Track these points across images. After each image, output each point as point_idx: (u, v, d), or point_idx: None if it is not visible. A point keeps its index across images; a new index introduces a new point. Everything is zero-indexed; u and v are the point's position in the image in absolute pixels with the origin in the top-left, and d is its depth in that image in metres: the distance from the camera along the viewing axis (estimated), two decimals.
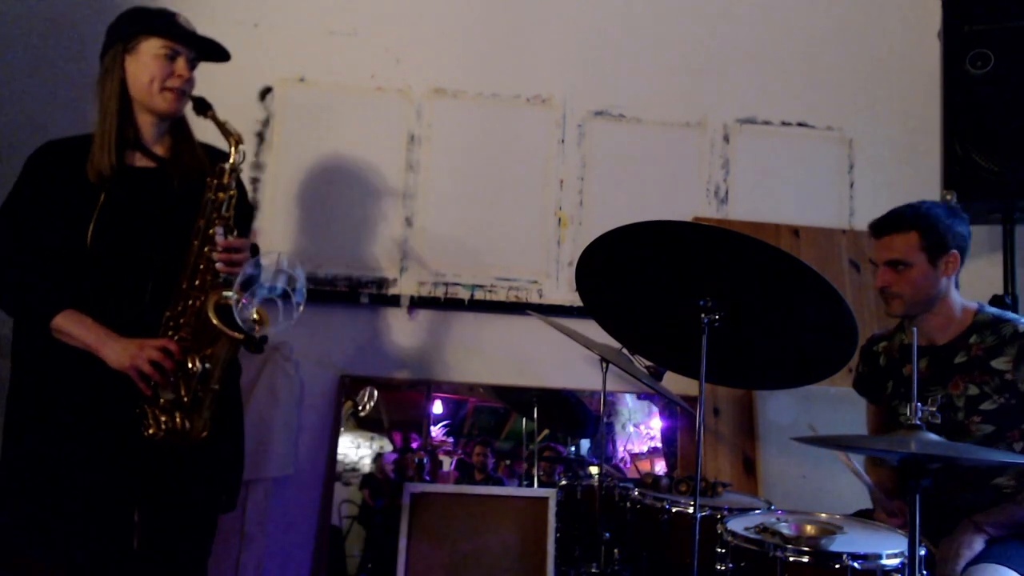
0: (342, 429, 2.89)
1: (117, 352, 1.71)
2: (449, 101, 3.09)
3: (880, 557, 1.58)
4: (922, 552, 1.54)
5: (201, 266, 1.78)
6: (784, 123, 3.25)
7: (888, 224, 2.04)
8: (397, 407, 3.02)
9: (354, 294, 2.94)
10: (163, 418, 1.74)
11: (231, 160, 1.83)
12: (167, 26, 1.84)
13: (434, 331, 3.00)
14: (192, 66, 1.89)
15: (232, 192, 1.83)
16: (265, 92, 3.00)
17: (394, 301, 2.97)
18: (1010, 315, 2.06)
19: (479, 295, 3.02)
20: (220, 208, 1.81)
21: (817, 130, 3.26)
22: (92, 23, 2.87)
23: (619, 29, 3.20)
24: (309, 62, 3.03)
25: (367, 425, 2.96)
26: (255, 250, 1.98)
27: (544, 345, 2.97)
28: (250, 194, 2.92)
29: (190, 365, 1.74)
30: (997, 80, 2.73)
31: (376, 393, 2.94)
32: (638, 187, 3.13)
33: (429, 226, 3.03)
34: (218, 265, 1.77)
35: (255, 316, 1.76)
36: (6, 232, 1.79)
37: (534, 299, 3.03)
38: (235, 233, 1.82)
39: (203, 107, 1.85)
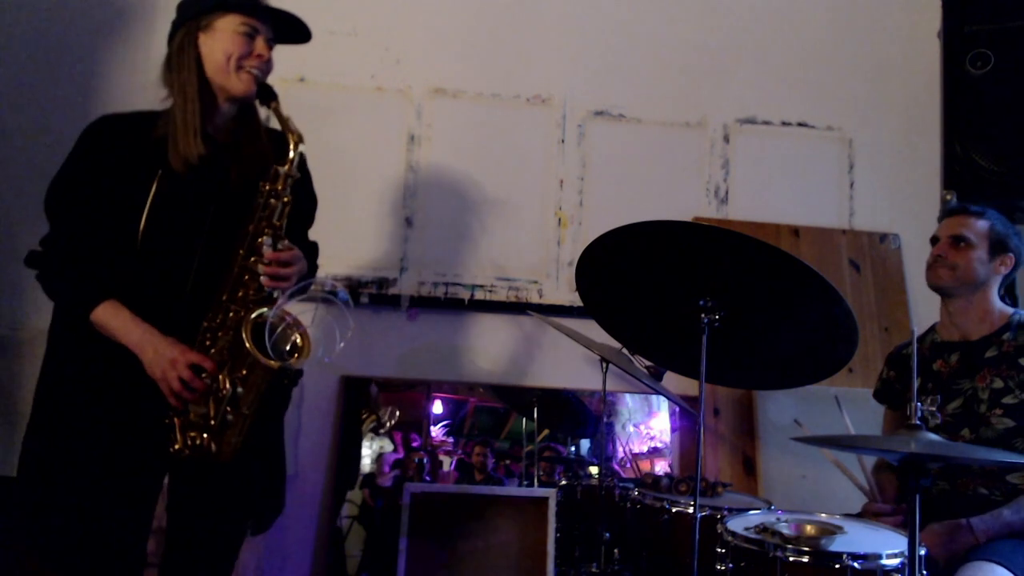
0: (360, 435, 2.89)
1: (152, 359, 1.59)
2: (449, 101, 3.09)
3: (880, 557, 1.58)
4: (922, 552, 1.54)
5: (245, 277, 1.65)
6: (784, 123, 3.25)
7: (964, 208, 2.20)
8: (397, 407, 3.02)
9: (354, 294, 2.94)
10: (191, 434, 1.62)
11: (288, 165, 1.67)
12: (248, 2, 1.70)
13: (434, 331, 3.00)
14: (270, 46, 1.74)
15: (286, 199, 1.67)
16: None
17: (394, 301, 2.97)
18: None
19: (479, 295, 3.02)
20: (271, 216, 1.66)
21: (817, 130, 3.26)
22: (92, 24, 2.90)
23: (619, 29, 3.20)
24: (309, 62, 3.02)
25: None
26: (314, 249, 1.86)
27: (544, 345, 2.97)
28: None
29: (222, 385, 1.60)
30: (997, 80, 2.73)
31: (398, 413, 2.94)
32: (638, 187, 3.13)
33: (429, 226, 3.03)
34: (263, 279, 1.63)
35: (297, 342, 1.64)
36: (59, 211, 1.66)
37: (534, 299, 3.03)
38: (285, 243, 1.67)
39: (268, 96, 1.71)
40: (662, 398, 3.04)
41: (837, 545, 1.65)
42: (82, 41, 2.88)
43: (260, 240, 1.65)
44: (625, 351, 2.43)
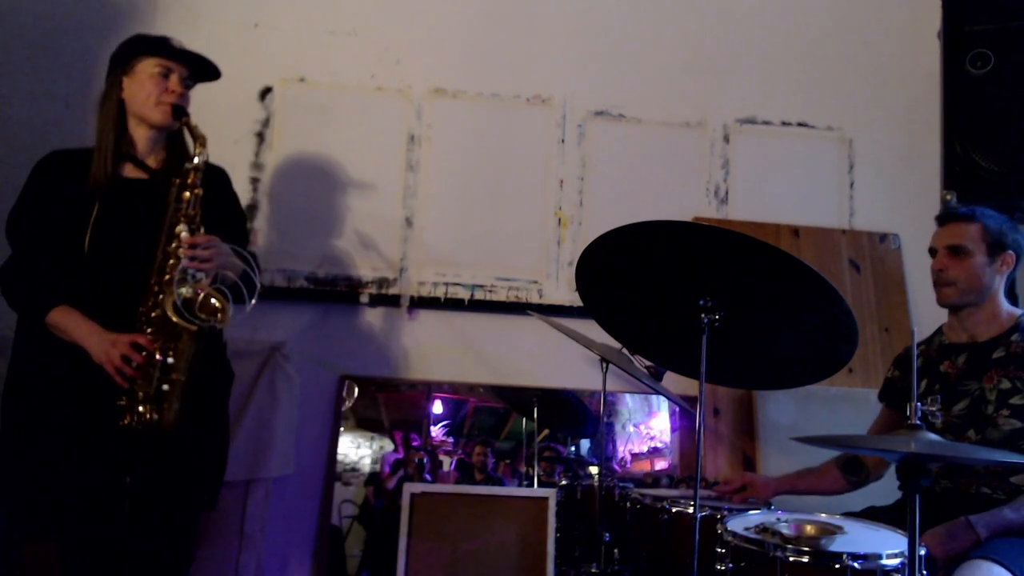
0: (342, 428, 2.89)
1: (95, 346, 1.81)
2: (449, 101, 3.09)
3: (880, 557, 1.58)
4: (922, 552, 1.54)
5: (169, 262, 1.87)
6: (784, 123, 3.25)
7: (955, 213, 2.15)
8: (397, 407, 3.01)
9: (354, 294, 2.94)
10: (139, 408, 1.82)
11: (195, 161, 1.93)
12: (161, 46, 1.99)
13: (434, 331, 3.00)
14: (186, 84, 2.01)
15: (198, 191, 1.92)
16: (265, 92, 3.00)
17: (394, 301, 2.97)
18: None
19: (479, 295, 3.02)
20: (186, 207, 1.91)
21: (817, 130, 3.26)
22: (92, 24, 2.90)
23: (619, 29, 3.20)
24: (309, 62, 3.03)
25: (367, 425, 2.96)
26: (253, 258, 2.06)
27: (544, 345, 2.97)
28: (250, 194, 2.92)
29: (157, 357, 1.82)
30: (997, 80, 2.73)
31: (356, 388, 2.95)
32: (638, 187, 3.13)
33: (429, 226, 3.03)
34: (184, 262, 1.84)
35: (216, 305, 1.84)
36: (16, 235, 1.93)
37: (534, 299, 3.03)
38: (201, 231, 1.90)
39: (179, 113, 1.98)
40: (662, 398, 3.04)
41: (837, 545, 1.65)
42: (82, 41, 2.88)
43: (178, 228, 1.88)
44: (625, 351, 2.43)
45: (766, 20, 3.28)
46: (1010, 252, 2.10)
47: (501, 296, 3.03)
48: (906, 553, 1.49)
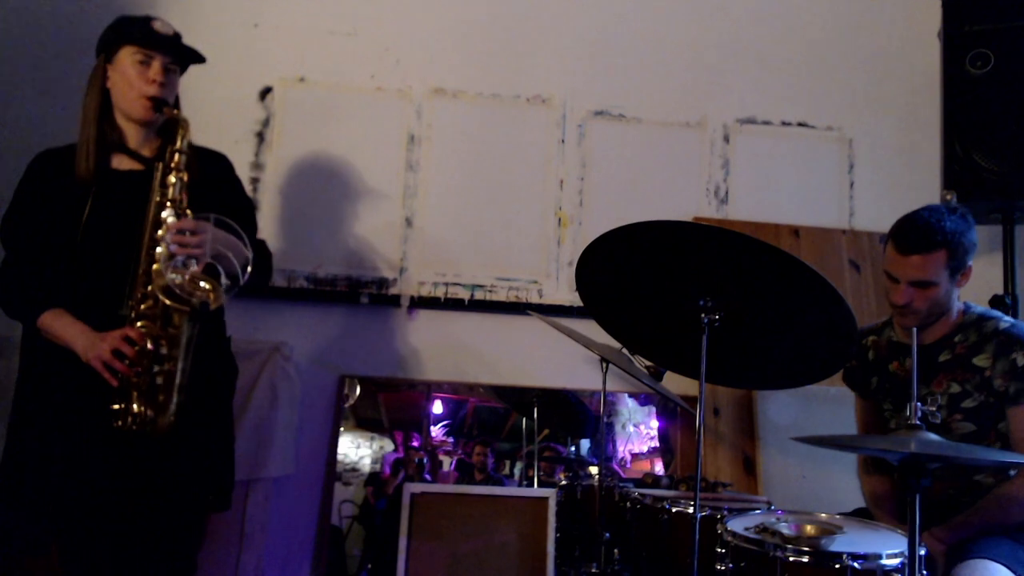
0: (342, 428, 2.89)
1: (82, 346, 1.75)
2: (449, 101, 3.09)
3: (880, 557, 1.58)
4: (922, 552, 1.54)
5: (158, 249, 1.79)
6: (784, 123, 3.25)
7: (917, 243, 1.94)
8: (397, 407, 3.02)
9: (354, 294, 2.94)
10: (135, 408, 1.75)
11: (178, 141, 1.85)
12: (140, 32, 1.88)
13: (434, 331, 3.00)
14: (170, 70, 1.90)
15: (183, 175, 1.84)
16: (265, 92, 3.00)
17: (394, 301, 2.97)
18: (994, 313, 2.06)
19: (479, 295, 3.02)
20: (172, 191, 1.83)
21: (817, 130, 3.26)
22: (92, 23, 2.89)
23: (619, 29, 3.20)
24: (309, 62, 3.03)
25: (367, 425, 2.96)
26: (263, 248, 2.01)
27: (544, 345, 2.97)
28: (250, 194, 2.92)
29: (149, 347, 1.75)
30: (997, 80, 2.73)
31: (358, 386, 2.95)
32: (638, 187, 3.13)
33: (429, 226, 3.03)
34: (172, 247, 1.76)
35: (206, 287, 1.74)
36: (8, 238, 1.89)
37: (534, 299, 3.03)
38: (189, 215, 1.82)
39: (160, 106, 1.88)
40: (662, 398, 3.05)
41: (837, 545, 1.64)
42: (82, 41, 2.88)
43: (164, 214, 1.81)
44: (625, 351, 2.43)
45: (766, 20, 3.28)
46: (969, 265, 1.98)
47: (501, 296, 3.03)
48: (906, 553, 1.49)
